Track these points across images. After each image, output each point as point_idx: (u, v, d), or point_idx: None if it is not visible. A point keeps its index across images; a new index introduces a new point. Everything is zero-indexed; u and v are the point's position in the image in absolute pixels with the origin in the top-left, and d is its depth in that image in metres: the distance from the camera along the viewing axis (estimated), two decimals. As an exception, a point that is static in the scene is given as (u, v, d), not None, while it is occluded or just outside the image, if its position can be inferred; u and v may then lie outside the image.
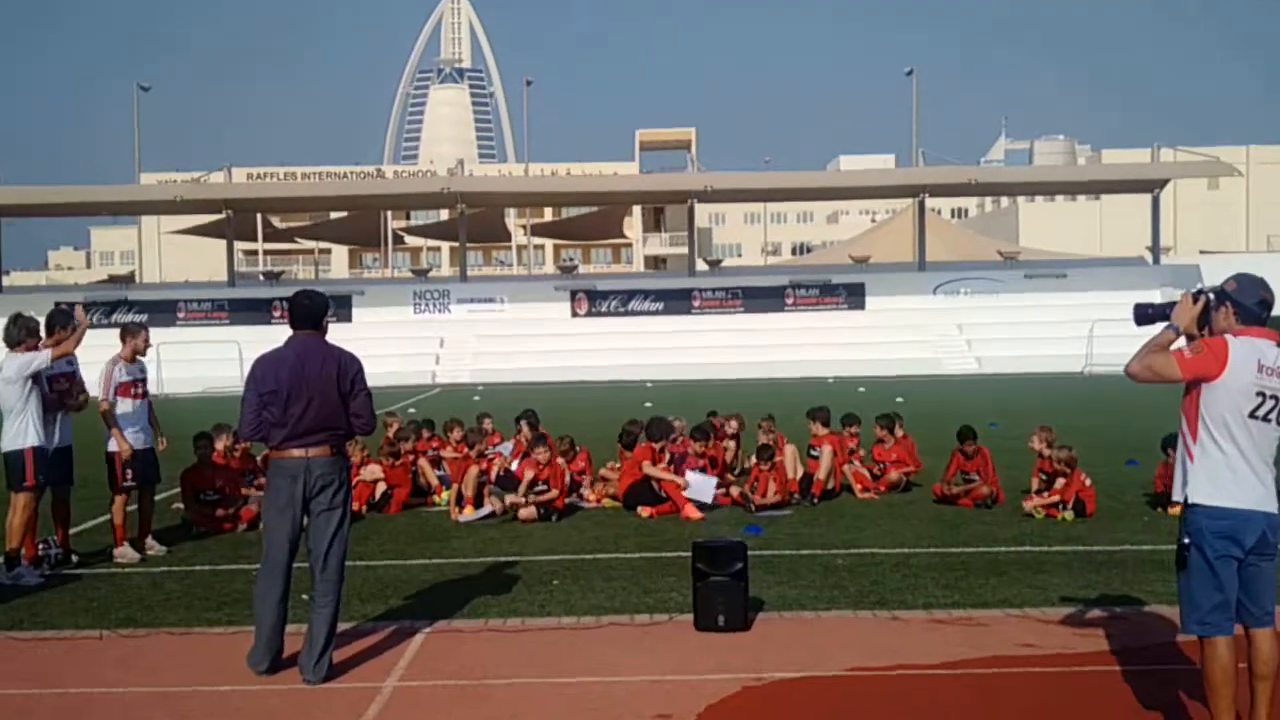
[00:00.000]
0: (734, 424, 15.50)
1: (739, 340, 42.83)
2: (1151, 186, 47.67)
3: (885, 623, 7.94)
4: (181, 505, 12.67)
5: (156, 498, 11.32)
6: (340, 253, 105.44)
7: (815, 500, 12.78)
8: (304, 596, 7.29)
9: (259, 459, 14.18)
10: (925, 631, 7.69)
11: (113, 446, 10.43)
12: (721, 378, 39.12)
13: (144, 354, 10.71)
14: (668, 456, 13.09)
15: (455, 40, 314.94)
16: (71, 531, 10.81)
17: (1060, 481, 11.72)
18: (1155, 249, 47.62)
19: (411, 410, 27.62)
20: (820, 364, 39.86)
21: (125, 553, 10.50)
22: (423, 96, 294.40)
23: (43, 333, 10.12)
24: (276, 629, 6.94)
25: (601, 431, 16.65)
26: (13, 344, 9.78)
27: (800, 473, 13.25)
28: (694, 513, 12.19)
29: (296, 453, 6.84)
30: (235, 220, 49.38)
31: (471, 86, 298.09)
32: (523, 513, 12.11)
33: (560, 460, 13.61)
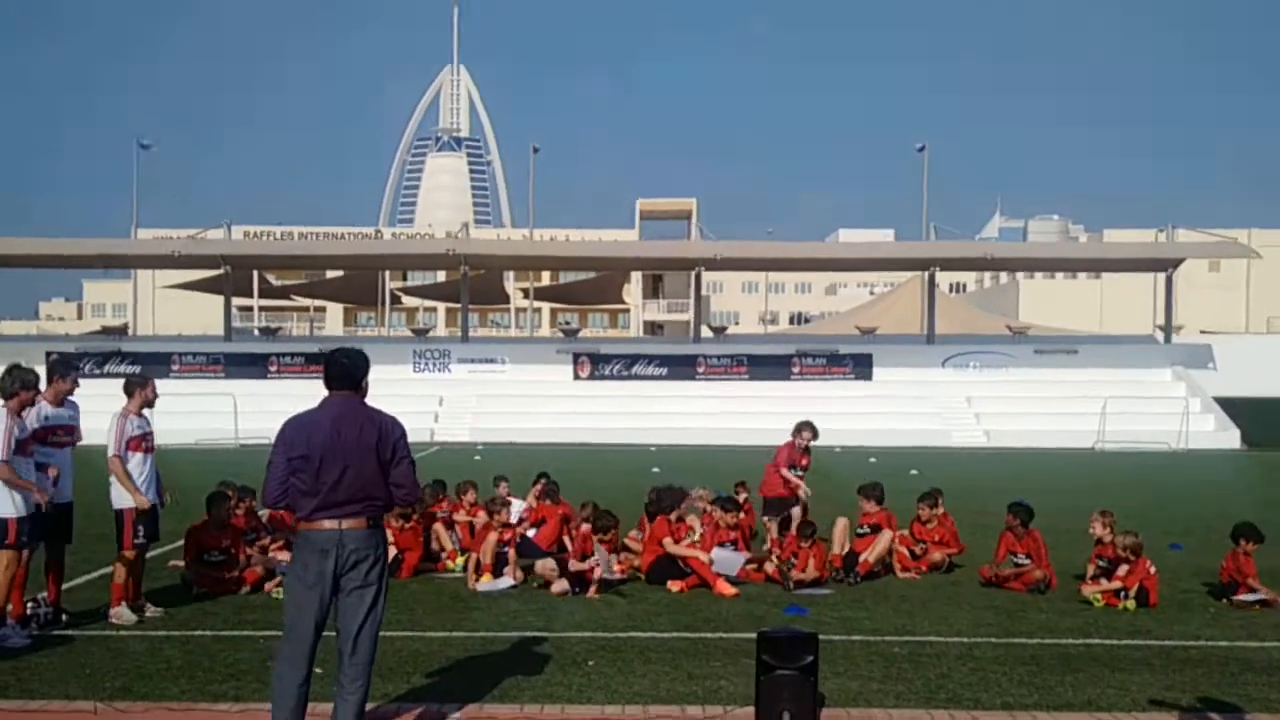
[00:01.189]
0: (744, 494, 14.88)
1: (744, 407, 42.02)
2: (1165, 266, 47.26)
3: (964, 723, 7.17)
4: (180, 563, 11.90)
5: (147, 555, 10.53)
6: (335, 311, 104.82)
7: (858, 579, 12.01)
8: (318, 670, 6.51)
9: (264, 517, 13.46)
10: (1012, 735, 6.93)
11: (123, 502, 9.69)
12: (726, 444, 38.34)
13: (152, 406, 10.02)
14: (694, 528, 12.39)
15: (454, 110, 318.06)
16: (62, 588, 10.01)
17: (1123, 568, 10.99)
18: (1168, 328, 47.10)
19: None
20: (828, 433, 38.91)
21: (122, 614, 9.71)
22: (420, 162, 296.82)
23: (42, 385, 9.42)
24: (297, 715, 6.17)
25: (613, 497, 15.85)
26: (7, 396, 9.06)
27: (846, 549, 12.49)
28: (727, 589, 11.43)
29: (328, 524, 6.12)
30: (232, 276, 48.80)
31: (469, 154, 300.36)
32: (556, 586, 11.30)
33: (585, 526, 12.90)
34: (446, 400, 43.29)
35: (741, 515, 13.50)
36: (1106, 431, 39.25)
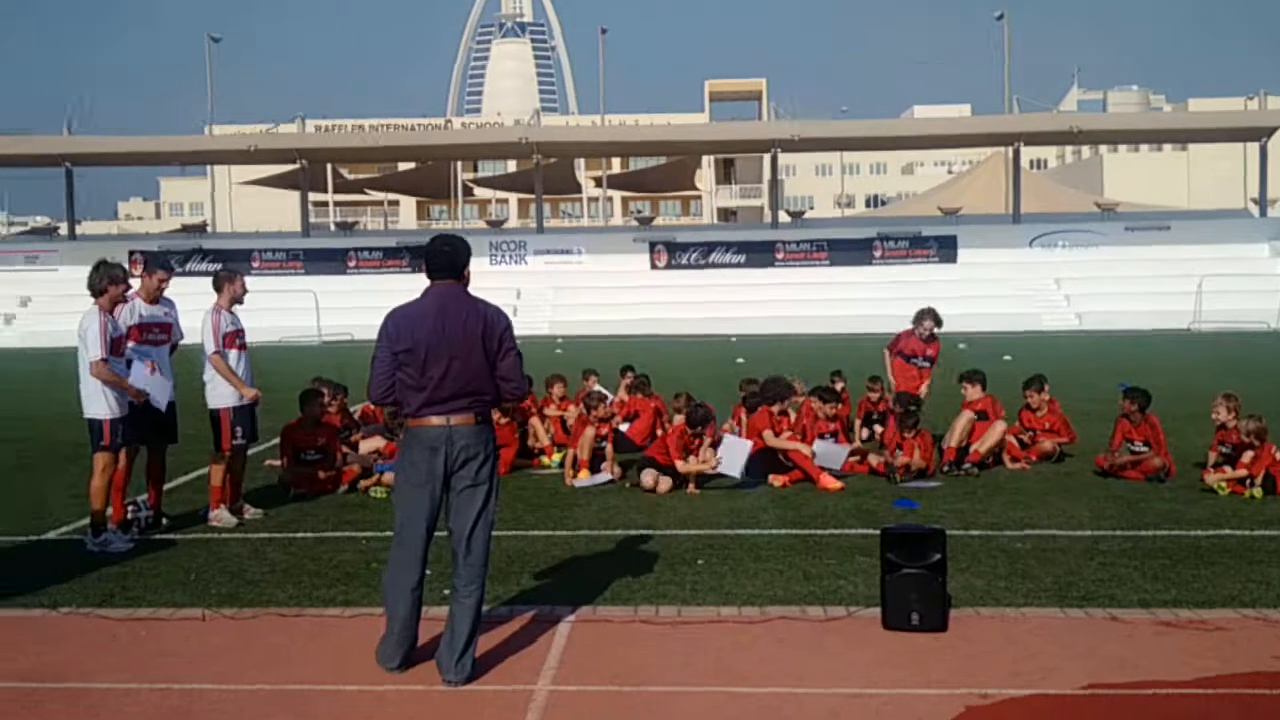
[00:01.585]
0: (841, 384, 14.39)
1: (825, 294, 41.41)
2: (1259, 135, 45.36)
3: (1104, 624, 6.78)
4: (276, 463, 11.84)
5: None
6: (408, 204, 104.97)
7: (974, 470, 11.59)
8: (445, 592, 6.29)
9: (357, 414, 13.34)
10: (1156, 637, 6.53)
11: (220, 401, 9.52)
12: (808, 331, 37.83)
13: (242, 301, 9.78)
14: (791, 420, 12.01)
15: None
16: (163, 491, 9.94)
17: (1248, 455, 10.45)
18: (1263, 201, 45.40)
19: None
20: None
21: (221, 516, 9.62)
22: (485, 51, 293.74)
23: (135, 281, 9.22)
24: (410, 621, 5.96)
25: (701, 389, 15.48)
26: (96, 293, 8.87)
27: (964, 444, 12.00)
28: (832, 483, 11.09)
29: (436, 421, 5.83)
30: (308, 171, 48.73)
31: (534, 40, 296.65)
32: (662, 484, 11.02)
33: (679, 420, 12.60)
34: (524, 293, 43.17)
35: (840, 406, 13.11)
36: (1203, 311, 38.11)
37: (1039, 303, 41.31)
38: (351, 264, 44.78)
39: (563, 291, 42.84)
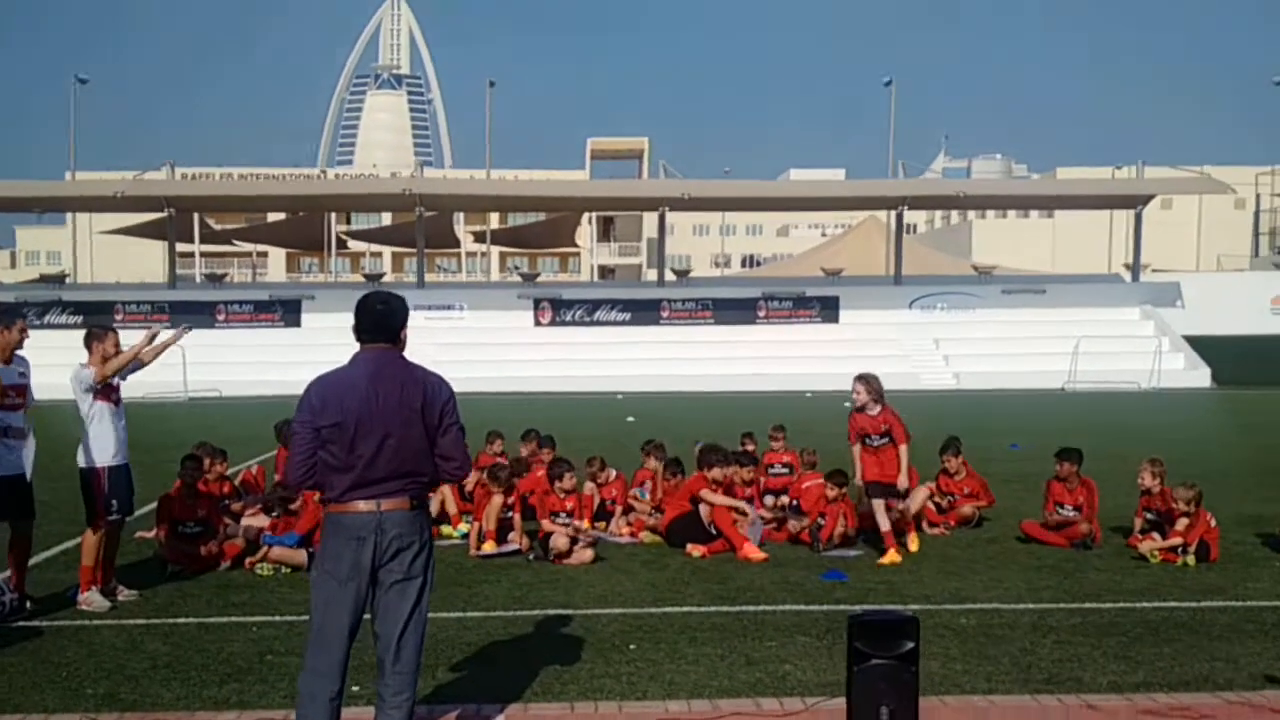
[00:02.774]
0: (752, 446, 13.95)
1: (711, 352, 41.26)
2: (1136, 202, 46.84)
3: (1082, 712, 6.33)
4: (149, 534, 10.86)
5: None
6: (277, 256, 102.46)
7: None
8: (354, 689, 5.53)
9: (237, 480, 12.39)
10: (1140, 726, 6.10)
11: (94, 460, 8.56)
12: (694, 390, 37.56)
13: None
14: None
15: (394, 46, 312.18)
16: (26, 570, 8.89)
17: (1183, 522, 10.23)
18: (1136, 266, 46.77)
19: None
20: (796, 377, 38.40)
21: (93, 599, 8.63)
22: (359, 101, 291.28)
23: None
24: (329, 733, 5.17)
25: (594, 447, 14.83)
26: None
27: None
28: (755, 553, 10.55)
29: (364, 506, 5.09)
30: (175, 220, 46.97)
31: (410, 92, 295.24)
32: (577, 555, 10.32)
33: (590, 486, 11.98)
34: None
35: (755, 469, 12.63)
36: (1077, 371, 38.92)
37: (917, 362, 41.77)
38: (220, 317, 43.00)
39: (445, 348, 41.78)
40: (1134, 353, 40.49)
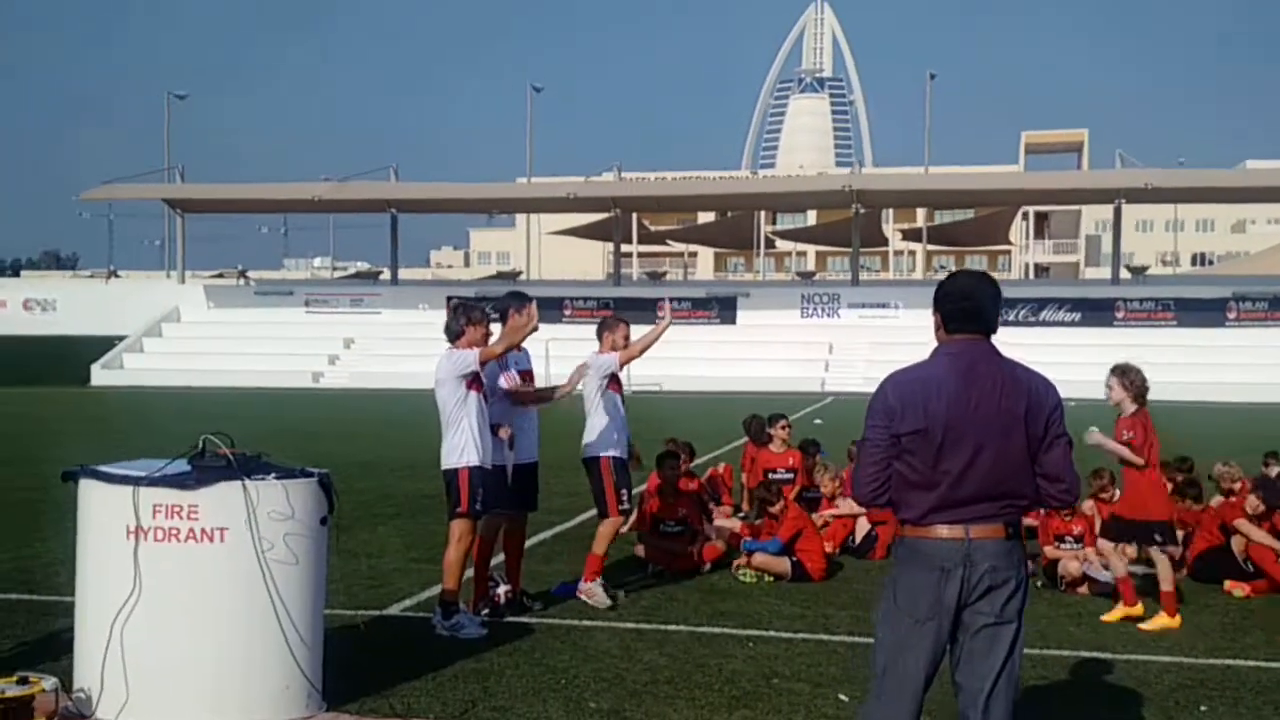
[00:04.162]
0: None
1: (1173, 357, 37.50)
2: None
3: None
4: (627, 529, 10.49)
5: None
6: (706, 256, 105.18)
7: None
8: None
9: (704, 479, 11.91)
10: None
11: (597, 449, 8.24)
12: (1155, 398, 34.22)
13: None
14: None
15: (817, 50, 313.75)
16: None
17: None
18: None
19: (818, 421, 25.00)
20: (1266, 388, 34.18)
21: (595, 592, 8.27)
22: (782, 106, 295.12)
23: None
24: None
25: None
26: (452, 337, 7.73)
27: None
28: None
29: (948, 532, 4.11)
30: (614, 221, 48.76)
31: (832, 94, 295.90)
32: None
33: (1090, 505, 10.51)
34: (836, 347, 41.33)
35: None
36: None
37: None
38: (660, 315, 44.13)
39: (878, 347, 40.70)
40: None
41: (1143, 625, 8.00)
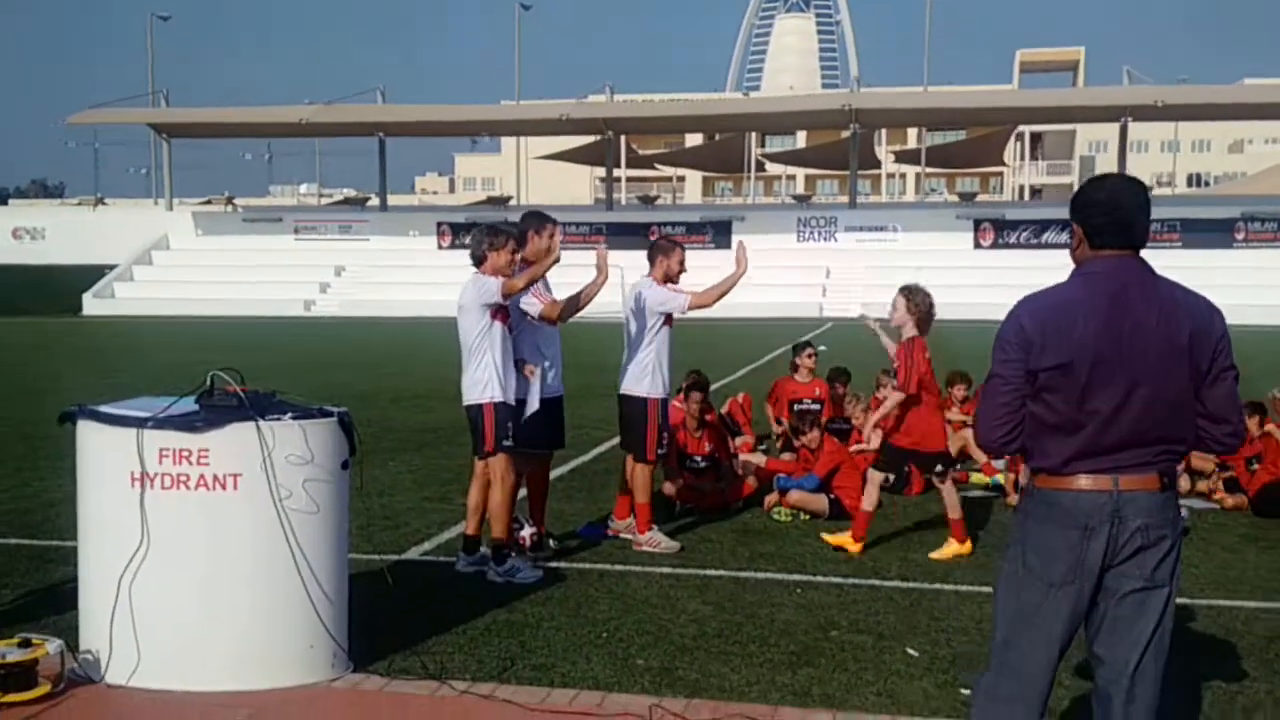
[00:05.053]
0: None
1: (1177, 279, 37.00)
2: None
3: None
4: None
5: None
6: (693, 180, 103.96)
7: None
8: None
9: (723, 411, 11.38)
10: None
11: (645, 389, 7.72)
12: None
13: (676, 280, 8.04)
14: None
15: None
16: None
17: None
18: None
19: (823, 348, 24.39)
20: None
21: (658, 540, 7.82)
22: (767, 26, 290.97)
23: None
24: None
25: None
26: (476, 263, 7.12)
27: None
28: None
29: (1093, 483, 3.54)
30: (606, 144, 47.78)
31: (818, 15, 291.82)
32: None
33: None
34: (834, 272, 40.73)
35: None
36: None
37: None
38: (653, 237, 43.46)
39: (876, 271, 40.07)
40: None
41: (933, 554, 7.69)
